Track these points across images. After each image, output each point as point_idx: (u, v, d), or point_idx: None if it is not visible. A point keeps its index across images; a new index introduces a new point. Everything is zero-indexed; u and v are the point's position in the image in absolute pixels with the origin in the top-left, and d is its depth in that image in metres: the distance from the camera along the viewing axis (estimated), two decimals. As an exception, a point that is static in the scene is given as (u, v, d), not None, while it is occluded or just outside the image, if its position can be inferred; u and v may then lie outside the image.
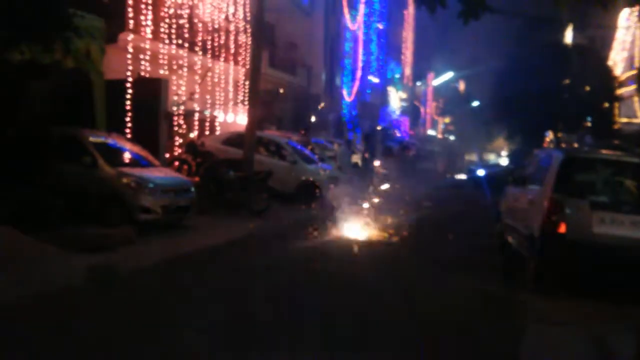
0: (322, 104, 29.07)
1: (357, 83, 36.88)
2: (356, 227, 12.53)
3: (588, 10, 32.02)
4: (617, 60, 32.88)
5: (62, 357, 5.24)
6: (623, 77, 30.85)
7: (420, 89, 59.89)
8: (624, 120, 29.95)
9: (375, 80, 42.10)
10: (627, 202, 8.00)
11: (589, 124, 30.14)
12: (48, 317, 6.22)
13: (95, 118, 13.27)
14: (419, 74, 57.38)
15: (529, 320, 7.14)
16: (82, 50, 12.55)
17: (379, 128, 37.34)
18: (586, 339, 6.52)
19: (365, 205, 13.78)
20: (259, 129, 18.12)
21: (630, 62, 31.14)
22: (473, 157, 67.93)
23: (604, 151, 9.64)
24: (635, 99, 28.68)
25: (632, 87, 28.98)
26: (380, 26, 42.36)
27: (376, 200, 14.78)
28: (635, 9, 30.03)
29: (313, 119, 28.54)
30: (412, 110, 55.24)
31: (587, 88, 28.71)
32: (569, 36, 37.83)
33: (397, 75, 50.64)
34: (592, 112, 29.57)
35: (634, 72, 29.41)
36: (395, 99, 49.94)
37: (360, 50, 37.67)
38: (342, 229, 12.46)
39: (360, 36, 37.56)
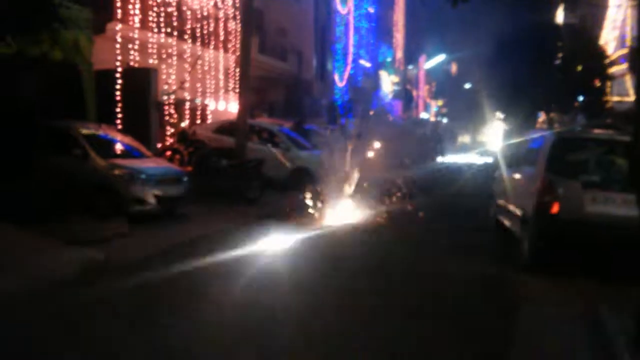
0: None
1: (348, 68, 36.73)
2: (345, 213, 12.58)
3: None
4: (608, 39, 32.89)
5: (53, 351, 5.23)
6: (614, 55, 30.85)
7: (412, 72, 59.71)
8: (616, 98, 29.99)
9: (367, 64, 41.93)
10: (618, 180, 7.99)
11: (581, 104, 30.17)
12: (41, 311, 6.20)
13: (86, 109, 13.21)
14: (411, 57, 57.19)
15: (522, 300, 7.16)
16: (70, 41, 12.47)
17: (371, 112, 37.23)
18: (579, 318, 6.54)
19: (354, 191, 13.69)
20: (251, 116, 18.04)
21: (621, 41, 31.18)
22: (466, 139, 68.00)
23: (595, 130, 9.64)
24: (627, 77, 28.71)
25: (624, 65, 29.00)
26: (371, 10, 42.10)
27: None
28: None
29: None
30: (405, 94, 55.08)
31: (579, 68, 28.68)
32: (560, 15, 37.77)
33: (389, 59, 50.42)
34: (584, 91, 29.56)
35: (625, 50, 29.44)
36: (387, 83, 49.76)
37: (351, 35, 37.46)
38: (334, 214, 12.48)
39: (351, 20, 37.33)
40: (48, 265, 7.79)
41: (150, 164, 12.19)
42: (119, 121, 14.50)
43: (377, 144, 22.79)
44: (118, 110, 14.63)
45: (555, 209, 8.07)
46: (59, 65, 12.22)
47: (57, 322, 5.85)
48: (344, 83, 36.02)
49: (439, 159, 37.79)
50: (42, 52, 11.45)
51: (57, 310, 6.24)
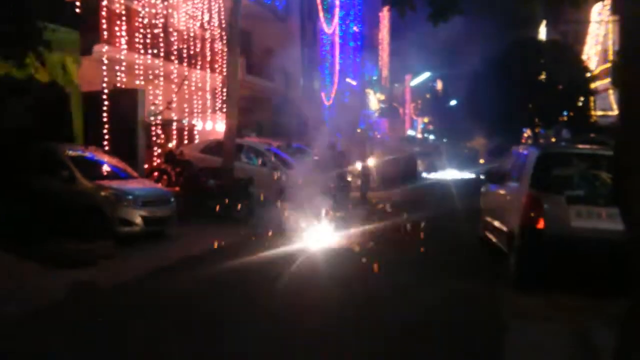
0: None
1: (335, 86, 36.94)
2: (336, 230, 12.60)
3: (560, 6, 32.52)
4: (591, 54, 33.32)
5: None
6: (597, 70, 31.24)
7: (398, 90, 60.11)
8: (600, 113, 30.32)
9: (353, 82, 42.18)
10: (603, 194, 8.09)
11: (565, 118, 30.47)
12: (30, 335, 6.16)
13: (73, 131, 13.20)
14: (397, 74, 57.59)
15: (510, 317, 7.18)
16: (56, 64, 12.47)
17: (359, 130, 37.40)
18: (568, 333, 6.58)
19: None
20: (239, 136, 18.07)
21: (604, 56, 31.58)
22: (453, 154, 68.14)
23: (579, 145, 9.76)
24: (610, 91, 29.05)
25: (607, 80, 29.36)
26: (356, 29, 42.46)
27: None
28: (607, 2, 30.49)
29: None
30: (391, 112, 55.39)
31: (560, 86, 29.03)
32: (542, 32, 38.27)
33: (375, 77, 50.80)
34: (568, 106, 29.90)
35: (608, 65, 29.81)
36: (374, 100, 50.07)
37: (337, 54, 37.74)
38: (323, 232, 12.49)
39: (337, 40, 37.63)
40: (35, 289, 7.75)
41: (137, 185, 12.18)
42: (106, 142, 14.48)
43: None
44: (105, 131, 14.62)
45: (540, 224, 8.13)
46: (46, 88, 12.21)
47: (45, 346, 5.82)
48: (330, 102, 36.20)
49: (429, 175, 37.92)
50: (29, 74, 11.45)
51: (46, 334, 6.20)
